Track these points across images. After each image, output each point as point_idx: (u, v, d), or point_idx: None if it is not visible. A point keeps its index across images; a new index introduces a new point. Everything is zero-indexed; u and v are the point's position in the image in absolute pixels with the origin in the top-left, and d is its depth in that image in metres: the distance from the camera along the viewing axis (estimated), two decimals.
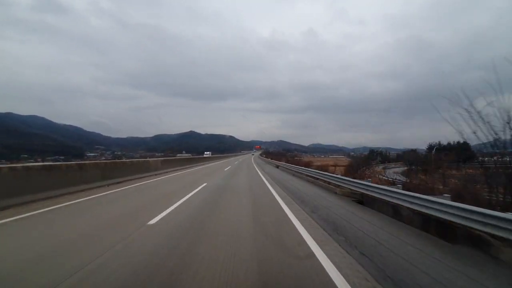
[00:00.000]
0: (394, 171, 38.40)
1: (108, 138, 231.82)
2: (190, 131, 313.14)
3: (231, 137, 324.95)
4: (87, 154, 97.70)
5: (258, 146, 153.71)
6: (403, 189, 5.76)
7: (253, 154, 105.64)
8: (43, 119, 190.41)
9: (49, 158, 72.60)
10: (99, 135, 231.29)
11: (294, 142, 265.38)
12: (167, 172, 16.74)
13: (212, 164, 31.57)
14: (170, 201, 6.72)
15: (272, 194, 8.43)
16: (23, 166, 6.93)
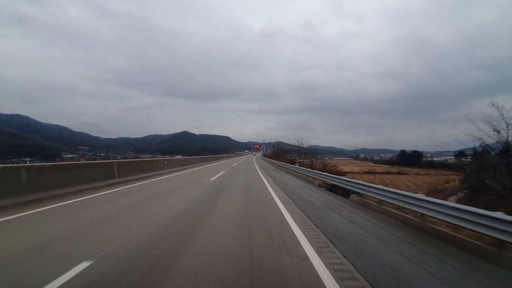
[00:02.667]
0: None
1: (98, 138, 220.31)
2: (184, 131, 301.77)
3: (226, 137, 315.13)
4: (64, 156, 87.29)
5: (258, 146, 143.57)
6: None
7: (254, 155, 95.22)
8: (26, 118, 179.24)
9: (13, 160, 62.67)
10: (87, 135, 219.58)
11: (291, 143, 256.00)
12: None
13: (174, 175, 22.10)
14: None
15: None
16: None
